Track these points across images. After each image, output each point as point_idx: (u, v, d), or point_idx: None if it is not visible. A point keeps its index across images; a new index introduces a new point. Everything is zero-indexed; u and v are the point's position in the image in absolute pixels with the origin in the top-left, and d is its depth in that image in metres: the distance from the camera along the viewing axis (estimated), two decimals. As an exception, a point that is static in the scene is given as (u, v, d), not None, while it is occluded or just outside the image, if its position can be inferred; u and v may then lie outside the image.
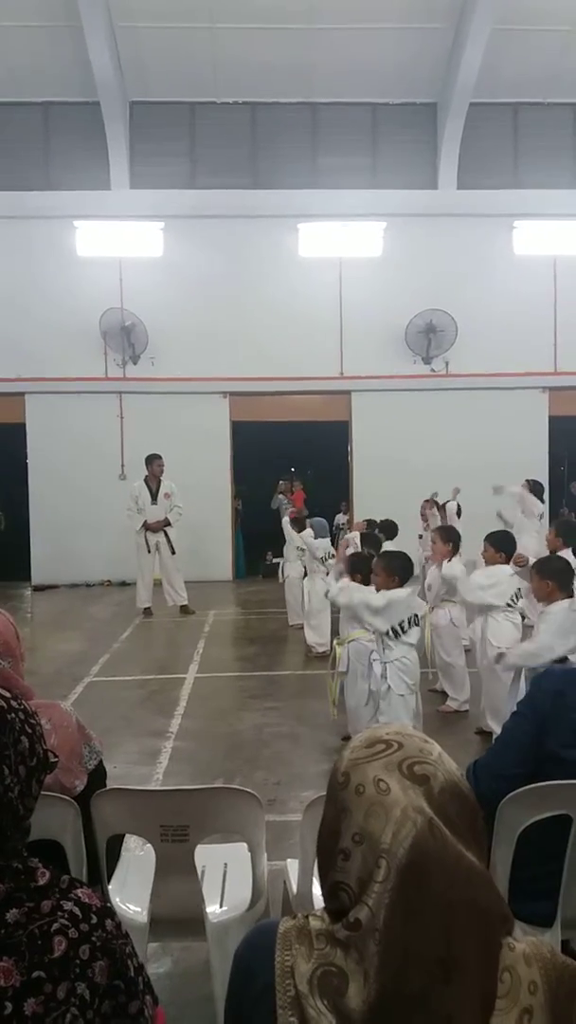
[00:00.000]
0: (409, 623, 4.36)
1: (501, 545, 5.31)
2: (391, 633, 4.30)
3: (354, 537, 8.13)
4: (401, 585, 4.40)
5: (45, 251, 12.75)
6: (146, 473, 10.30)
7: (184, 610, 10.02)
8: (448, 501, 9.52)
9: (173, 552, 10.04)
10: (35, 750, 1.19)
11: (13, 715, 1.18)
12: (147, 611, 10.01)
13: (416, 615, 4.41)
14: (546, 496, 10.07)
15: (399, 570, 4.42)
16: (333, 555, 7.82)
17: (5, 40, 11.97)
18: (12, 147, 13.03)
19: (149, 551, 10.08)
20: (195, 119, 13.26)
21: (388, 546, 7.34)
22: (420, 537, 9.13)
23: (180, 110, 13.20)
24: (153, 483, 10.20)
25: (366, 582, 4.89)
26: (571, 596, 4.05)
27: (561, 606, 4.00)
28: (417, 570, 7.20)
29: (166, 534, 10.05)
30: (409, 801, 0.98)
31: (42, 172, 13.07)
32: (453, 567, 5.63)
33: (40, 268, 12.76)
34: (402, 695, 4.30)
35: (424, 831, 0.96)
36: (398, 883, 0.94)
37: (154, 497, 10.14)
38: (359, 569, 4.99)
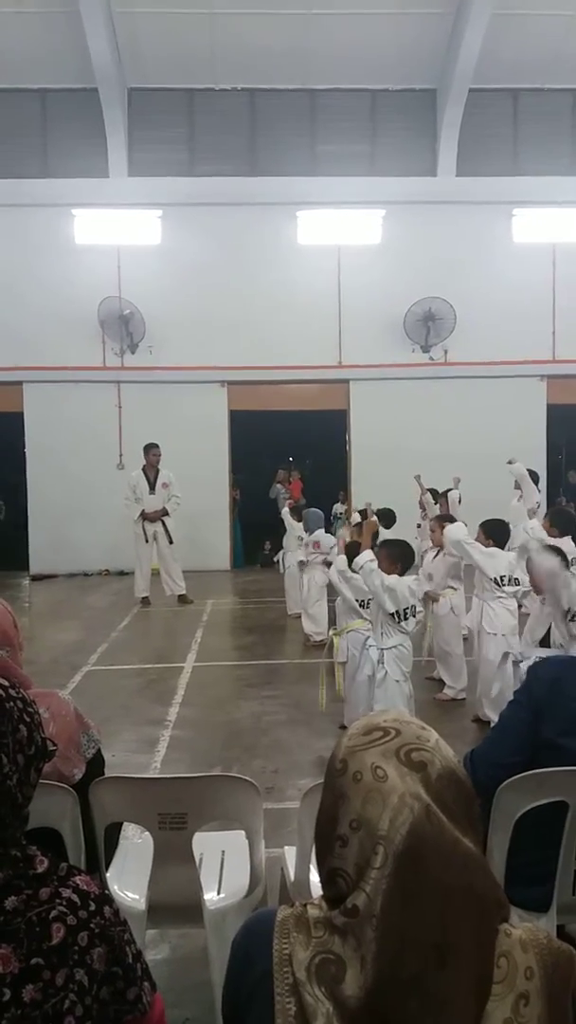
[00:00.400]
0: (409, 612, 4.39)
1: (492, 533, 5.33)
2: (395, 617, 4.32)
3: (354, 519, 8.15)
4: (402, 573, 4.42)
5: (43, 239, 12.69)
6: (144, 463, 10.29)
7: (182, 599, 10.03)
8: (449, 490, 9.50)
9: (171, 542, 10.04)
10: (33, 738, 1.19)
11: (11, 704, 1.18)
12: (145, 600, 10.02)
13: (414, 606, 4.43)
14: (543, 485, 10.08)
15: (400, 557, 4.45)
16: (331, 545, 7.84)
17: (2, 26, 11.86)
18: (9, 134, 12.95)
19: (147, 541, 10.09)
20: (193, 106, 13.17)
21: (386, 535, 7.35)
22: (419, 526, 9.12)
23: (178, 97, 13.11)
24: (151, 473, 10.20)
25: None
26: None
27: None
28: (416, 559, 7.20)
29: (164, 524, 10.05)
30: (406, 788, 0.98)
31: (40, 160, 13.00)
32: (457, 529, 5.66)
33: (38, 256, 12.70)
34: (398, 681, 4.34)
35: (421, 817, 0.97)
36: (395, 869, 0.95)
37: (152, 487, 10.14)
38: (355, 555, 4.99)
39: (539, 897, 2.18)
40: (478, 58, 12.08)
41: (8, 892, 1.07)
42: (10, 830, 1.14)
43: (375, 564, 4.36)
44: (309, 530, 8.10)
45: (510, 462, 9.34)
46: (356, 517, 8.24)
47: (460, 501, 9.04)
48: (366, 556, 4.43)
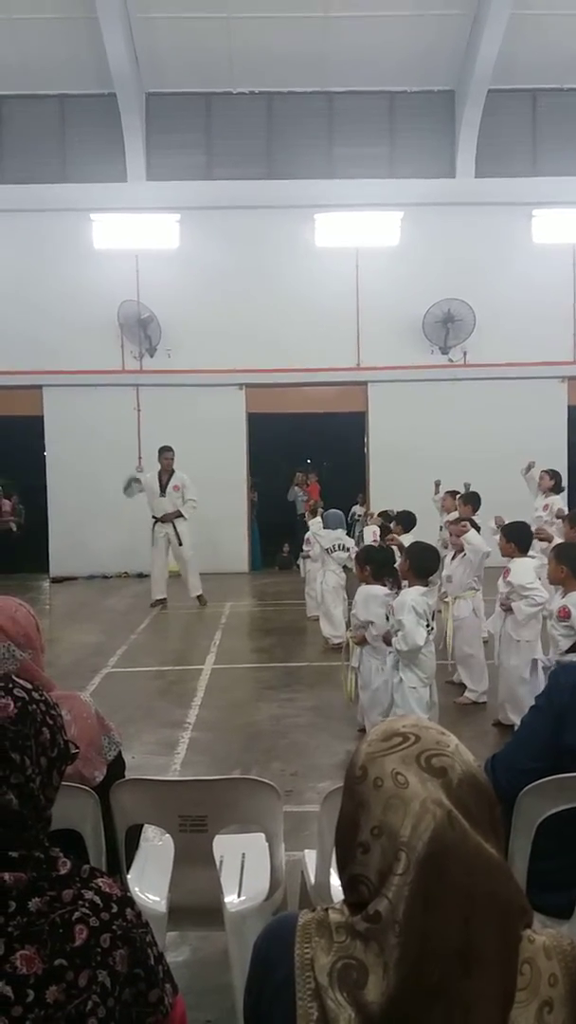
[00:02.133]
0: (432, 617, 4.37)
1: (512, 536, 5.29)
2: (428, 633, 4.30)
3: (372, 530, 8.14)
4: (427, 582, 4.42)
5: (62, 244, 12.79)
6: (159, 467, 10.30)
7: (199, 600, 10.03)
8: (466, 492, 9.49)
9: (180, 543, 10.04)
10: (56, 741, 1.20)
11: (35, 706, 1.19)
12: (157, 603, 10.05)
13: (432, 612, 4.42)
14: (564, 482, 10.04)
15: (423, 570, 4.42)
16: (345, 547, 7.83)
17: (21, 32, 11.99)
18: (29, 140, 13.08)
19: (153, 543, 10.11)
20: (211, 110, 13.23)
21: (408, 538, 7.33)
22: (441, 529, 9.10)
23: (196, 101, 13.18)
24: (164, 476, 10.19)
25: (377, 574, 4.88)
26: None
27: None
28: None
29: (174, 526, 10.04)
30: (428, 794, 0.98)
31: (58, 165, 13.10)
32: (472, 537, 5.75)
33: (57, 261, 12.80)
34: (414, 687, 4.30)
35: (443, 823, 0.96)
36: (418, 875, 0.94)
37: (163, 490, 10.13)
38: (370, 561, 4.99)
39: (562, 903, 2.16)
40: (496, 59, 12.05)
41: (32, 894, 1.08)
42: (33, 832, 1.15)
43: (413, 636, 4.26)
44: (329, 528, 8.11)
45: (528, 468, 9.42)
46: (374, 528, 8.26)
47: (479, 504, 8.95)
48: (412, 624, 4.30)
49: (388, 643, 4.45)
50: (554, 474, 9.31)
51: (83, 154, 13.07)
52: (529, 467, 9.59)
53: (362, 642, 4.80)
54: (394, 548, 6.18)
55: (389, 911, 0.95)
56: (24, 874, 1.09)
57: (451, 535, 6.28)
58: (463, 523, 6.04)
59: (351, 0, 11.71)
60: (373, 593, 4.75)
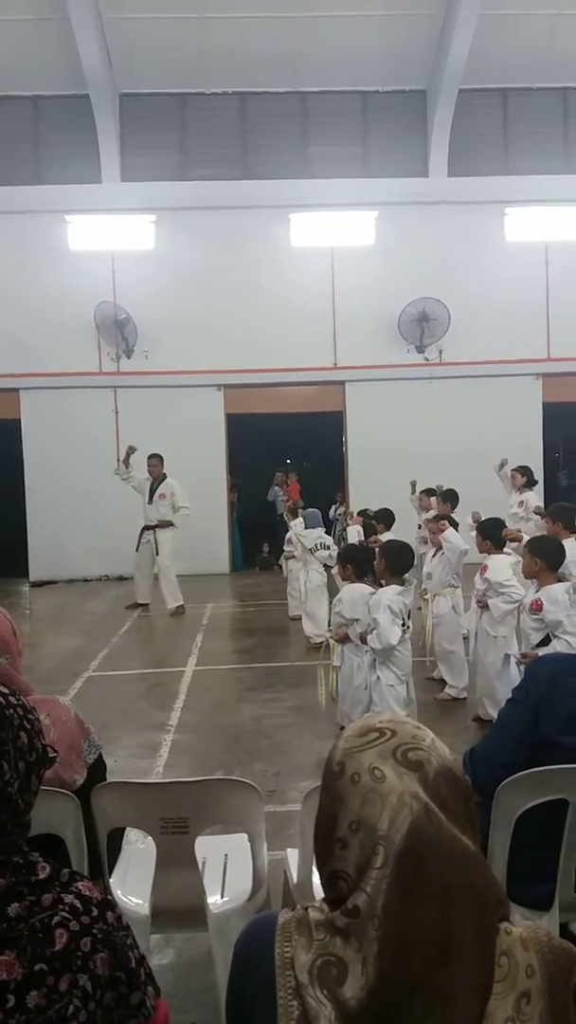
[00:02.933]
0: (408, 616, 4.39)
1: (488, 533, 5.34)
2: (403, 632, 4.32)
3: (356, 530, 8.18)
4: (401, 577, 4.43)
5: (37, 246, 12.71)
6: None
7: (177, 610, 9.74)
8: (441, 490, 9.57)
9: (157, 552, 9.95)
10: (34, 745, 1.20)
11: (12, 711, 1.18)
12: (134, 606, 9.99)
13: (408, 611, 4.44)
14: (539, 476, 10.18)
15: (399, 568, 4.44)
16: (326, 546, 7.85)
17: (-9, 33, 11.88)
18: (2, 142, 12.98)
19: (137, 549, 10.04)
20: (185, 110, 13.20)
21: (388, 536, 7.37)
22: (420, 527, 9.15)
23: (170, 101, 13.14)
24: (153, 483, 10.08)
25: (359, 572, 4.91)
26: (559, 578, 4.15)
27: (560, 588, 4.09)
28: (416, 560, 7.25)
29: (155, 534, 9.98)
30: (404, 787, 0.99)
31: (32, 166, 13.01)
32: (450, 535, 5.84)
33: (33, 263, 12.71)
34: (391, 685, 4.33)
35: (420, 816, 0.97)
36: (395, 868, 0.95)
37: (151, 497, 10.06)
38: (351, 559, 5.01)
39: (541, 895, 2.18)
40: (467, 58, 12.12)
41: (11, 899, 1.07)
42: (12, 837, 1.15)
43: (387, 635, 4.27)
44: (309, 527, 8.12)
45: (501, 466, 9.56)
46: (356, 528, 8.30)
47: (457, 502, 9.03)
48: (387, 623, 4.28)
49: (364, 641, 4.48)
50: (525, 470, 9.42)
51: (57, 155, 12.98)
52: (502, 464, 9.70)
53: (344, 640, 4.82)
54: (375, 547, 6.21)
55: (368, 905, 0.96)
56: (3, 879, 1.08)
57: (430, 533, 6.32)
58: (442, 522, 6.08)
59: (324, 0, 11.73)
60: (359, 591, 4.77)
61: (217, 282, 12.80)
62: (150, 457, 10.14)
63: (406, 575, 4.52)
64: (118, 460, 10.25)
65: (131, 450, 10.08)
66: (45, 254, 12.72)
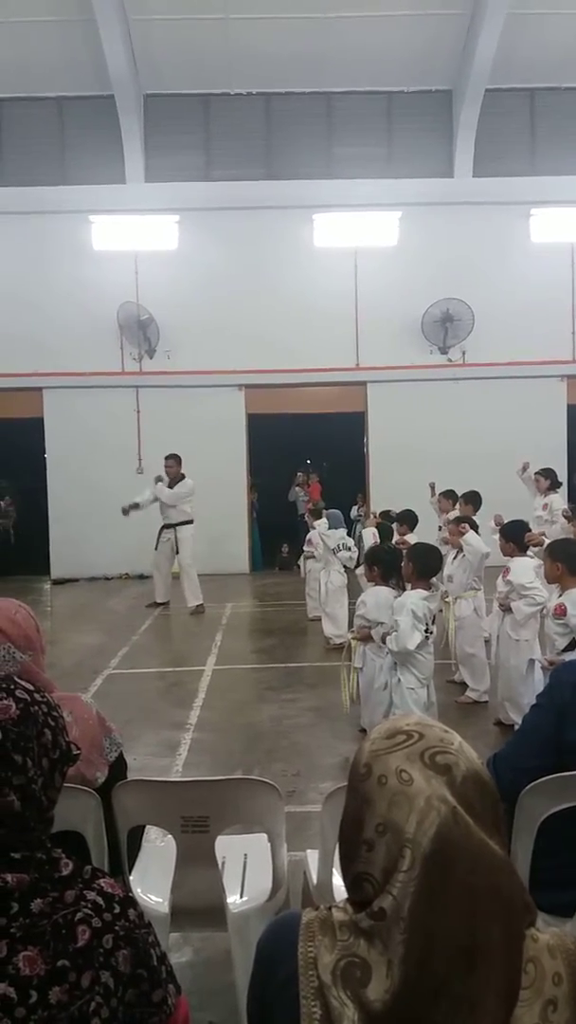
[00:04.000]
0: (432, 621, 4.37)
1: (511, 535, 5.29)
2: (426, 638, 4.29)
3: (371, 531, 8.15)
4: (428, 581, 4.41)
5: (61, 246, 12.79)
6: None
7: (197, 609, 9.78)
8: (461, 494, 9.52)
9: (177, 551, 9.98)
10: (58, 742, 1.20)
11: (36, 708, 1.19)
12: (154, 605, 10.04)
13: (433, 615, 4.42)
14: (562, 478, 10.10)
15: (427, 571, 4.41)
16: (348, 547, 7.84)
17: (19, 36, 11.99)
18: (27, 142, 13.08)
19: (156, 547, 10.07)
20: (209, 111, 13.23)
21: (411, 538, 7.34)
22: (440, 529, 9.11)
23: (194, 102, 13.18)
24: (172, 484, 10.08)
25: (385, 575, 4.88)
26: None
27: None
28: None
29: (175, 532, 10.00)
30: (432, 791, 0.98)
31: (57, 167, 13.11)
32: (471, 538, 5.80)
33: (56, 263, 12.80)
34: (412, 688, 4.30)
35: (448, 820, 0.96)
36: (423, 872, 0.95)
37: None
38: (379, 561, 4.99)
39: (565, 902, 2.16)
40: (494, 58, 12.05)
41: (34, 895, 1.08)
42: (35, 833, 1.15)
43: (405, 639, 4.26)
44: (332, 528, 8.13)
45: (524, 469, 9.51)
46: (371, 531, 8.27)
47: (480, 504, 8.98)
48: (407, 626, 4.27)
49: (384, 642, 4.47)
50: (549, 473, 9.35)
51: (82, 156, 13.07)
52: (524, 468, 9.63)
53: (366, 639, 4.79)
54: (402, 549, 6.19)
55: (394, 908, 0.95)
56: (26, 875, 1.09)
57: (449, 535, 6.28)
58: (462, 524, 6.04)
59: (348, 1, 11.71)
60: (384, 595, 4.75)
61: (240, 282, 12.82)
62: (168, 458, 10.15)
63: (433, 579, 4.49)
64: (125, 510, 10.12)
65: (133, 507, 10.09)
66: (69, 254, 12.80)
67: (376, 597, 4.80)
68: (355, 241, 12.89)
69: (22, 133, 13.11)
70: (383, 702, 4.62)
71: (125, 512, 10.03)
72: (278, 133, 13.28)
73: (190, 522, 10.06)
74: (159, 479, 10.09)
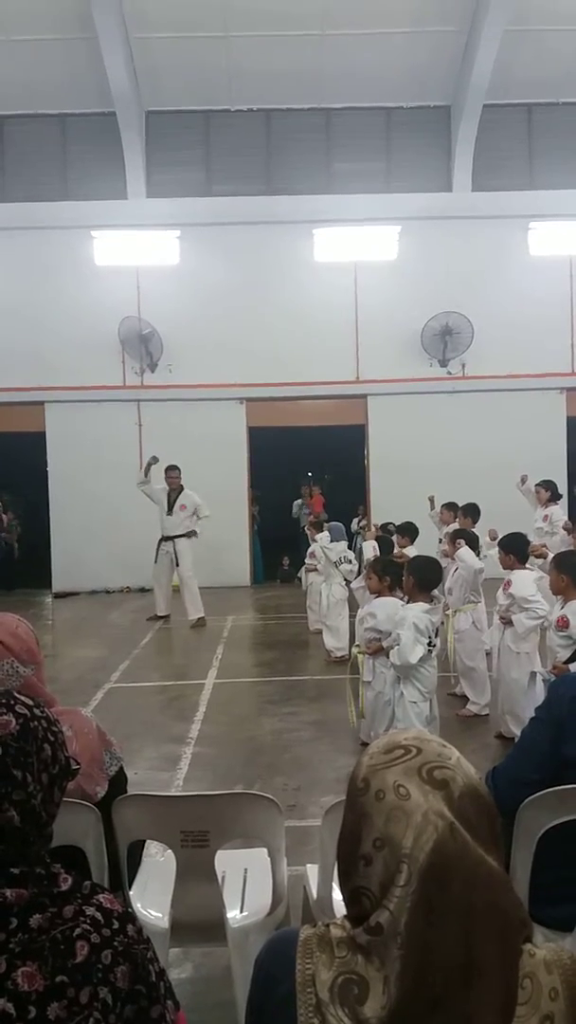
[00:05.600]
0: (435, 635, 4.36)
1: (510, 548, 5.28)
2: (429, 651, 4.28)
3: (371, 545, 8.15)
4: (429, 593, 4.40)
5: (63, 261, 12.87)
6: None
7: (199, 622, 9.77)
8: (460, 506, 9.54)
9: (177, 564, 9.98)
10: (57, 757, 1.21)
11: (36, 723, 1.19)
12: (155, 618, 10.03)
13: (436, 628, 4.41)
14: (562, 490, 10.11)
15: (427, 583, 4.40)
16: (349, 559, 7.84)
17: (21, 53, 12.11)
18: (30, 159, 13.19)
19: (156, 561, 10.06)
20: (210, 127, 13.34)
21: (411, 550, 7.34)
22: (440, 541, 9.11)
23: (195, 118, 13.29)
24: (172, 494, 10.10)
25: (394, 586, 4.89)
26: None
27: None
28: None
29: (174, 545, 10.00)
30: (429, 805, 0.99)
31: (60, 183, 13.21)
32: (463, 553, 5.83)
33: (59, 278, 12.88)
34: (414, 702, 4.29)
35: (445, 835, 0.97)
36: (420, 887, 0.95)
37: (170, 508, 10.08)
38: (389, 572, 4.99)
39: (564, 916, 2.15)
40: (492, 74, 12.16)
41: (33, 910, 1.08)
42: (34, 848, 1.15)
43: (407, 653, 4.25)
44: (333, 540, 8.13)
45: (523, 481, 9.54)
46: (371, 543, 8.27)
47: (478, 516, 8.99)
48: (409, 640, 4.26)
49: (387, 655, 4.46)
50: (549, 485, 9.36)
51: (84, 172, 13.17)
52: (523, 480, 9.64)
53: (377, 652, 4.78)
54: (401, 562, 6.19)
55: (391, 923, 0.95)
56: (25, 890, 1.09)
57: (448, 547, 6.30)
58: (458, 540, 6.05)
59: (348, 18, 11.82)
60: (392, 604, 4.75)
61: (240, 296, 12.89)
62: (169, 469, 10.16)
63: (434, 592, 4.49)
64: (141, 469, 10.29)
65: (153, 460, 10.12)
66: (71, 269, 12.87)
67: (386, 608, 4.79)
68: (355, 255, 12.96)
69: (25, 149, 13.22)
70: (386, 716, 4.61)
71: (149, 466, 10.07)
72: (278, 149, 13.38)
73: (193, 534, 10.04)
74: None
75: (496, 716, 5.51)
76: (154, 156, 13.20)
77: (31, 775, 1.15)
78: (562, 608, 4.28)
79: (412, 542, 7.94)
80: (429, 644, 4.28)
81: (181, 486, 10.13)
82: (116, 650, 8.43)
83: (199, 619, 9.77)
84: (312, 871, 2.52)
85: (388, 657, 4.63)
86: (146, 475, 10.12)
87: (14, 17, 11.61)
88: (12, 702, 1.20)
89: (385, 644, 4.68)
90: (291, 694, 6.62)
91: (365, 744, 4.83)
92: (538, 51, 12.29)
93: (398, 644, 4.21)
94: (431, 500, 9.84)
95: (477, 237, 12.96)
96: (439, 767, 1.02)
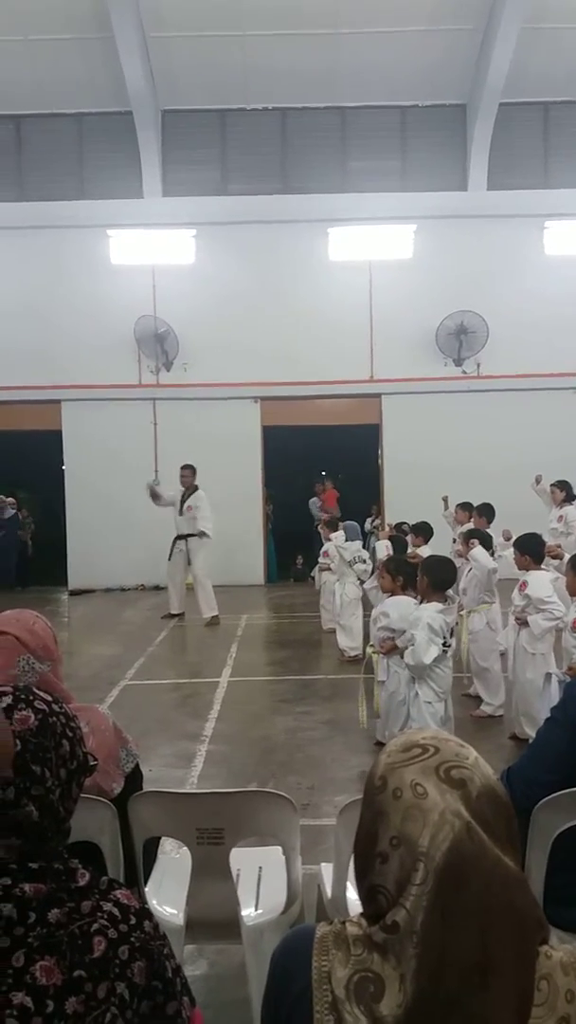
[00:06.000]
0: (450, 635, 4.34)
1: (526, 548, 5.25)
2: (444, 651, 4.27)
3: (385, 544, 8.13)
4: (443, 593, 4.38)
5: (79, 260, 12.92)
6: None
7: (212, 621, 9.78)
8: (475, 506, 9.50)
9: (190, 562, 9.99)
10: (75, 753, 1.21)
11: (55, 719, 1.20)
12: (169, 616, 10.06)
13: (451, 629, 4.39)
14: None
15: (442, 584, 4.38)
16: (363, 559, 7.83)
17: (38, 53, 12.18)
18: (47, 158, 13.25)
19: (170, 558, 10.08)
20: (225, 126, 13.35)
21: (426, 550, 7.32)
22: (454, 541, 9.08)
23: (211, 117, 13.31)
24: (186, 493, 10.10)
25: (406, 585, 4.88)
26: None
27: None
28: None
29: (187, 543, 10.01)
30: (447, 805, 0.99)
31: (76, 182, 13.26)
32: (477, 554, 5.81)
33: (75, 276, 12.93)
34: (429, 702, 4.28)
35: (462, 834, 0.97)
36: (436, 886, 0.95)
37: (180, 508, 10.10)
38: (403, 572, 4.98)
39: (579, 918, 2.14)
40: (508, 73, 12.09)
41: (51, 905, 1.09)
42: (53, 843, 1.16)
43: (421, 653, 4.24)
44: (348, 540, 8.13)
45: (537, 481, 9.49)
46: (385, 543, 8.26)
47: (493, 517, 8.94)
48: (423, 640, 4.27)
49: (401, 655, 4.46)
50: (564, 485, 9.31)
51: (100, 171, 13.22)
52: (538, 480, 9.60)
53: (391, 651, 4.77)
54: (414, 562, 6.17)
55: (407, 921, 0.95)
56: (44, 885, 1.09)
57: (462, 546, 6.28)
58: (472, 540, 6.03)
59: (363, 17, 11.80)
60: (406, 603, 4.74)
61: (256, 295, 12.89)
62: (184, 467, 10.19)
63: (448, 592, 4.48)
64: (153, 494, 10.21)
65: (155, 483, 10.19)
66: (87, 268, 12.93)
67: (399, 607, 4.79)
68: (370, 254, 12.93)
69: (42, 149, 13.28)
70: (401, 716, 4.60)
71: (152, 491, 10.08)
72: (294, 148, 13.38)
73: (204, 535, 10.03)
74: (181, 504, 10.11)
75: (511, 717, 5.48)
76: (170, 155, 13.23)
77: (50, 771, 1.16)
78: (579, 609, 4.25)
79: (427, 542, 7.93)
80: (444, 644, 4.27)
81: (195, 486, 10.13)
82: (131, 647, 8.46)
83: (212, 618, 9.78)
84: (326, 870, 2.52)
85: (402, 657, 4.62)
86: (156, 500, 10.13)
87: (31, 17, 11.67)
88: (31, 698, 1.21)
89: (399, 643, 4.67)
90: (305, 693, 6.63)
91: (380, 744, 4.84)
92: (554, 49, 12.21)
93: (412, 644, 4.21)
94: (445, 500, 9.81)
95: (492, 236, 12.90)
96: (457, 767, 1.02)
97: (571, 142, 13.25)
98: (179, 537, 10.10)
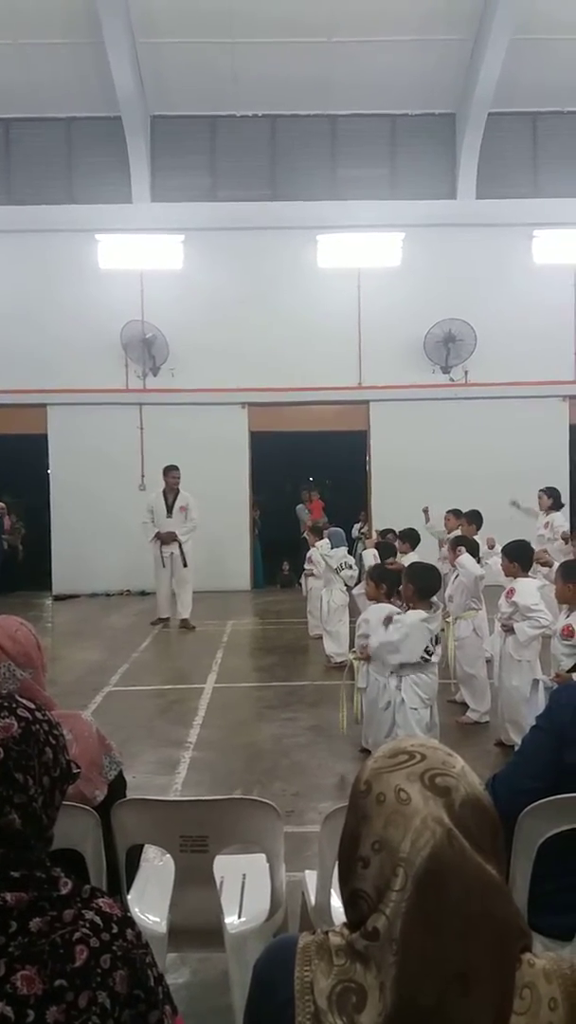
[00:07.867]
0: (434, 642, 4.35)
1: (514, 556, 5.27)
2: (424, 659, 4.27)
3: (372, 553, 8.15)
4: (428, 601, 4.39)
5: (67, 264, 12.90)
6: (164, 485, 10.24)
7: (183, 624, 9.81)
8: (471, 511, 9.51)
9: (185, 565, 9.98)
10: (59, 761, 1.21)
11: (38, 727, 1.19)
12: (159, 621, 10.03)
13: (435, 636, 4.40)
14: (564, 499, 10.06)
15: (427, 591, 4.40)
16: (350, 565, 7.83)
17: (28, 57, 12.17)
18: (35, 162, 13.23)
19: (164, 564, 10.05)
20: (215, 132, 13.38)
21: (412, 556, 7.34)
22: (441, 547, 9.11)
23: (200, 123, 13.32)
24: (170, 495, 10.12)
25: (390, 593, 4.89)
26: None
27: None
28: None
29: (180, 546, 10.00)
30: (429, 811, 0.99)
31: (65, 186, 13.24)
32: (465, 560, 5.83)
33: (63, 281, 12.90)
34: (415, 708, 4.28)
35: (443, 842, 0.97)
36: (415, 892, 0.95)
37: (169, 510, 10.06)
38: (386, 579, 4.99)
39: (563, 926, 2.14)
40: (497, 82, 12.18)
41: (33, 914, 1.08)
42: (35, 852, 1.15)
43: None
44: (334, 547, 8.12)
45: (513, 504, 9.44)
46: (372, 551, 8.28)
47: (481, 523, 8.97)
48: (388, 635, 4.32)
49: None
50: (552, 492, 9.36)
51: (89, 176, 13.21)
52: (514, 504, 9.53)
53: (369, 658, 4.78)
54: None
55: (387, 928, 0.95)
56: (25, 894, 1.09)
57: (449, 553, 6.30)
58: (458, 547, 6.05)
59: (354, 25, 11.86)
60: (387, 611, 4.75)
61: (244, 301, 12.91)
62: (171, 469, 10.16)
63: (433, 599, 4.49)
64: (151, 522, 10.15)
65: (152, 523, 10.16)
66: (75, 272, 12.90)
67: (378, 614, 4.80)
68: (358, 262, 12.98)
69: (30, 153, 13.26)
70: (386, 722, 4.60)
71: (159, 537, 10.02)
72: (283, 155, 13.42)
73: (191, 532, 10.02)
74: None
75: (496, 723, 5.50)
76: (159, 160, 13.24)
77: (32, 779, 1.15)
78: (568, 617, 4.27)
79: (413, 548, 7.95)
80: (428, 651, 4.28)
81: (178, 488, 10.13)
82: (115, 653, 8.42)
83: (185, 620, 9.78)
84: (310, 877, 2.51)
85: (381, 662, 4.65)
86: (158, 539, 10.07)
87: (21, 21, 11.66)
88: (14, 705, 1.20)
89: (357, 644, 4.71)
90: (290, 699, 6.62)
91: (366, 751, 4.84)
92: (544, 60, 12.32)
93: (367, 641, 4.24)
94: (426, 512, 9.79)
95: (481, 245, 12.99)
96: (442, 774, 1.02)
97: (559, 152, 13.36)
98: (165, 540, 9.99)
